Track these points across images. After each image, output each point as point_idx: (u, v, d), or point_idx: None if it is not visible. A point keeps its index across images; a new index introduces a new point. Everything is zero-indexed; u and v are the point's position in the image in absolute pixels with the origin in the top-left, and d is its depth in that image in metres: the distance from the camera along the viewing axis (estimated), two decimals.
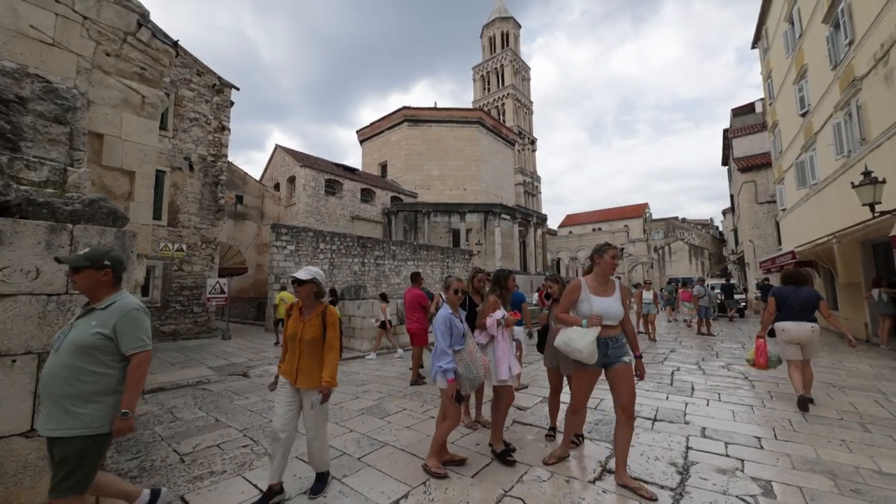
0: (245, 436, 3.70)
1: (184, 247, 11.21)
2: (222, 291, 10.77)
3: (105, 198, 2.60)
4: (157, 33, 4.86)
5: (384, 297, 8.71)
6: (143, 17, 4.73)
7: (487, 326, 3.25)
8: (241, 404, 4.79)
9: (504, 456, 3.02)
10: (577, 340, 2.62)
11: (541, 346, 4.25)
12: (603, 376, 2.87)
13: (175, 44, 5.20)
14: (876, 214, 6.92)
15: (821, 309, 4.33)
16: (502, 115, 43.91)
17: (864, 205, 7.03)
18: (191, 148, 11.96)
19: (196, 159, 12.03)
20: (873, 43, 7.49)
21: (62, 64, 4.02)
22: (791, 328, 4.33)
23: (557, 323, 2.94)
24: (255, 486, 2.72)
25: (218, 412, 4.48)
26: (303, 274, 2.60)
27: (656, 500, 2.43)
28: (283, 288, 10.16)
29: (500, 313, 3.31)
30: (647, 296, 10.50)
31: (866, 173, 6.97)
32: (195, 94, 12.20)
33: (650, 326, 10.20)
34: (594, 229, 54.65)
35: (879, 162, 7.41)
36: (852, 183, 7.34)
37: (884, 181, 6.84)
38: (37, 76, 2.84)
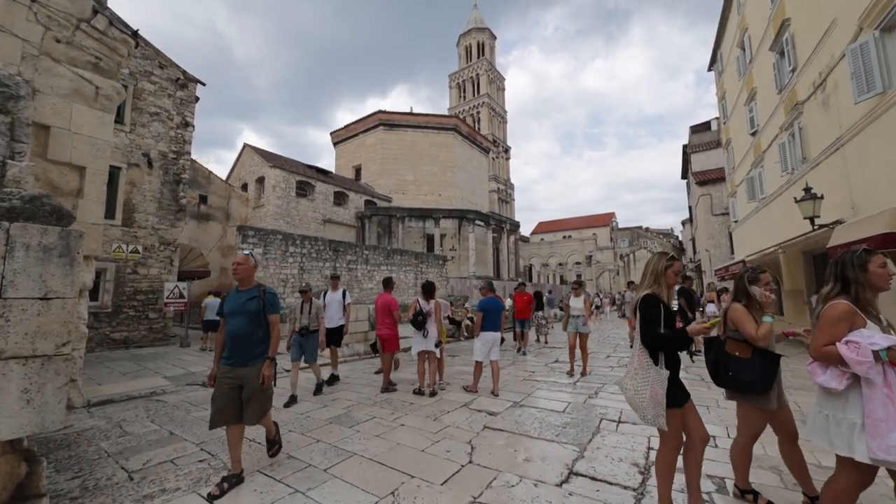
0: (202, 449, 3.49)
1: (139, 248, 10.54)
2: (181, 296, 10.21)
3: (49, 194, 2.40)
4: (115, 21, 4.59)
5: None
6: (100, 4, 4.47)
7: (853, 363, 1.83)
8: (198, 416, 4.53)
9: None
10: None
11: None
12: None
13: (135, 33, 4.94)
14: (815, 227, 7.54)
15: None
16: (477, 123, 44.54)
17: (805, 218, 7.65)
18: (150, 144, 11.31)
19: (156, 156, 11.37)
20: (813, 70, 8.21)
21: (5, 49, 3.71)
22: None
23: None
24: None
25: (173, 425, 4.21)
26: None
27: None
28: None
29: (878, 338, 1.82)
30: (577, 303, 6.75)
31: (807, 189, 7.60)
32: (157, 88, 11.56)
33: (584, 353, 6.62)
34: (565, 237, 56.27)
35: (819, 179, 8.10)
36: (795, 198, 7.97)
37: (822, 197, 7.48)
38: None
